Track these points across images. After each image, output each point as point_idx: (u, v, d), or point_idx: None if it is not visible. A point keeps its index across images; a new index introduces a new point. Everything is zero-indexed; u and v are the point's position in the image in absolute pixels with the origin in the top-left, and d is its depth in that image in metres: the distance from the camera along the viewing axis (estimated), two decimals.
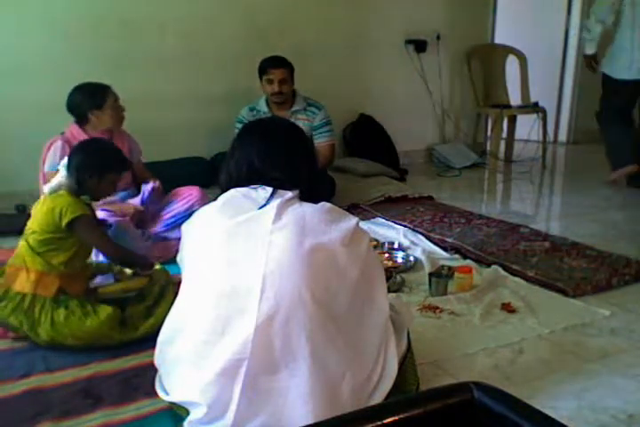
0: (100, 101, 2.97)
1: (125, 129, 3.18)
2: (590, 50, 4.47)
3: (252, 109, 3.82)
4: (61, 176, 2.27)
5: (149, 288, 2.34)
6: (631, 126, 4.49)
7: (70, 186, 2.25)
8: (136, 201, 3.06)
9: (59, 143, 2.96)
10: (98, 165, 2.28)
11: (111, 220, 2.78)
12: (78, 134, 2.98)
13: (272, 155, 1.70)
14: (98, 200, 2.44)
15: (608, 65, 4.35)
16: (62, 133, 3.01)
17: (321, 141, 3.79)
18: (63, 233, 2.19)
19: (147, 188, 3.06)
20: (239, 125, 3.73)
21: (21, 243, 2.24)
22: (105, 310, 2.18)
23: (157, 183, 3.08)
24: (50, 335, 2.14)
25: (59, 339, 2.14)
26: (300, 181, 1.69)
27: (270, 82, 3.66)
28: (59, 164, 2.85)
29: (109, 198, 2.91)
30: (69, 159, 2.28)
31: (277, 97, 3.69)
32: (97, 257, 2.65)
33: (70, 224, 2.17)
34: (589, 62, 4.54)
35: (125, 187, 3.12)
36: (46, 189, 2.28)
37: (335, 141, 3.95)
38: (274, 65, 3.66)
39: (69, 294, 2.20)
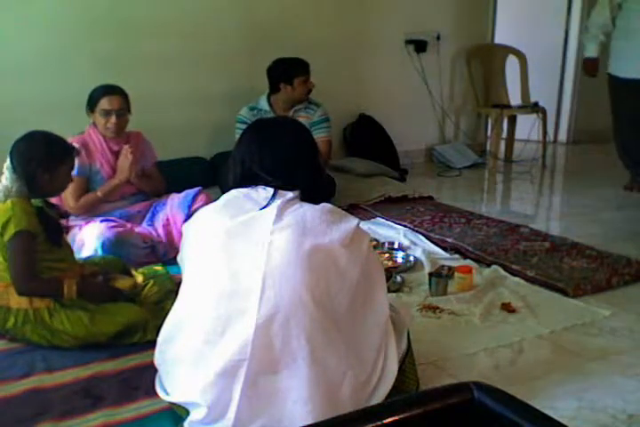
0: (91, 104, 2.83)
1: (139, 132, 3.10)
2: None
3: (252, 109, 3.83)
4: (5, 179, 2.04)
5: (153, 294, 2.32)
6: None
7: (20, 189, 2.04)
8: (145, 230, 2.94)
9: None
10: (44, 160, 2.05)
11: (112, 231, 2.71)
12: (95, 135, 2.87)
13: (266, 158, 1.68)
14: (54, 196, 2.26)
15: (613, 63, 3.83)
16: (82, 133, 2.88)
17: (317, 137, 3.79)
18: None
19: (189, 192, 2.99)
20: (239, 125, 3.75)
21: None
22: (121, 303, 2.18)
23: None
24: (78, 338, 2.10)
25: (90, 340, 2.11)
26: (297, 183, 1.68)
27: (305, 82, 3.77)
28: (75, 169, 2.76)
29: (116, 203, 2.89)
30: (11, 158, 2.05)
31: (306, 95, 3.82)
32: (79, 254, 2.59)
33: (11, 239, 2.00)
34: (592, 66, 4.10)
35: (134, 191, 3.04)
36: None
37: (332, 138, 3.96)
38: (307, 71, 3.78)
39: (67, 296, 2.13)
